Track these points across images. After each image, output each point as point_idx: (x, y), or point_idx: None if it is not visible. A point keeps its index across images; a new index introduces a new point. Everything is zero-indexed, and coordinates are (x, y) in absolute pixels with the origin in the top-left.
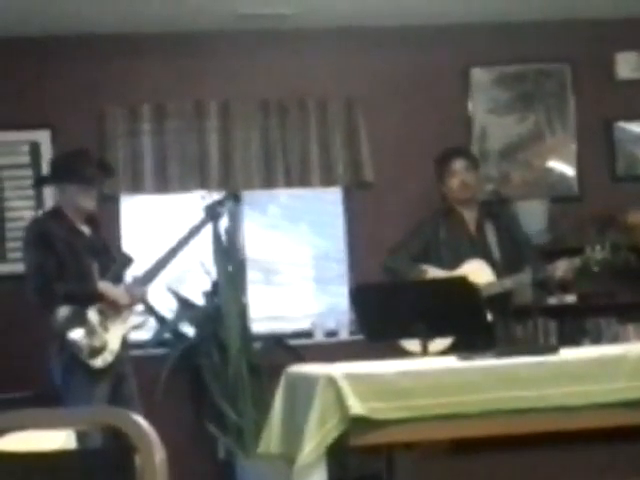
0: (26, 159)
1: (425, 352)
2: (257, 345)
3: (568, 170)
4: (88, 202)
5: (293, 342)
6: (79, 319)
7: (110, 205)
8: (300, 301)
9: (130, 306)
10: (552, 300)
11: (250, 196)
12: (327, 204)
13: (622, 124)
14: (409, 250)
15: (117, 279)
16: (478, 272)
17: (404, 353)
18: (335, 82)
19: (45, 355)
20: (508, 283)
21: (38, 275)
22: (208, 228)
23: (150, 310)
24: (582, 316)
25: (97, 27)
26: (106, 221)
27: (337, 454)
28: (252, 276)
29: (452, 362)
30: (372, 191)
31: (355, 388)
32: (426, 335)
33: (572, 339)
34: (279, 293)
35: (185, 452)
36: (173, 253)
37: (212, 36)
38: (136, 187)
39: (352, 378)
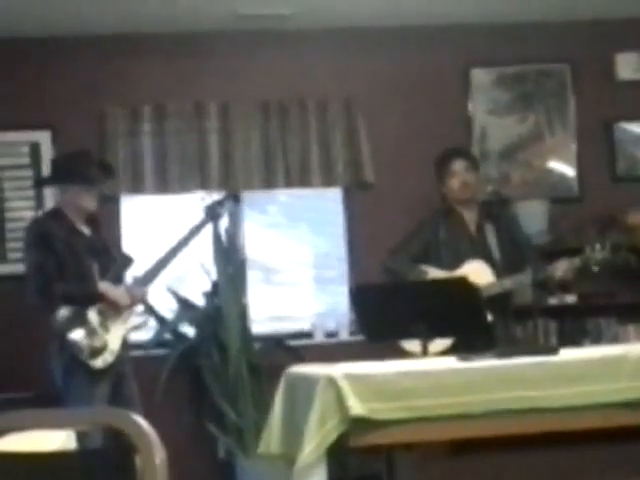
0: (26, 160)
1: (425, 353)
2: (257, 345)
3: (568, 170)
4: (90, 202)
5: (293, 342)
6: (79, 319)
7: (110, 205)
8: (300, 301)
9: (130, 306)
10: (552, 300)
11: (250, 196)
12: (327, 204)
13: (622, 124)
14: (409, 251)
15: (117, 279)
16: (478, 272)
17: (404, 354)
18: (335, 82)
19: (45, 355)
20: (508, 283)
21: (38, 275)
22: (208, 228)
23: (150, 310)
24: (582, 316)
25: (97, 28)
26: (106, 221)
27: (337, 454)
28: (252, 276)
29: (452, 363)
30: (372, 191)
31: (355, 388)
32: (426, 335)
33: (572, 339)
34: (279, 293)
35: (185, 452)
36: (173, 253)
37: (212, 36)
38: (136, 187)
39: (352, 379)
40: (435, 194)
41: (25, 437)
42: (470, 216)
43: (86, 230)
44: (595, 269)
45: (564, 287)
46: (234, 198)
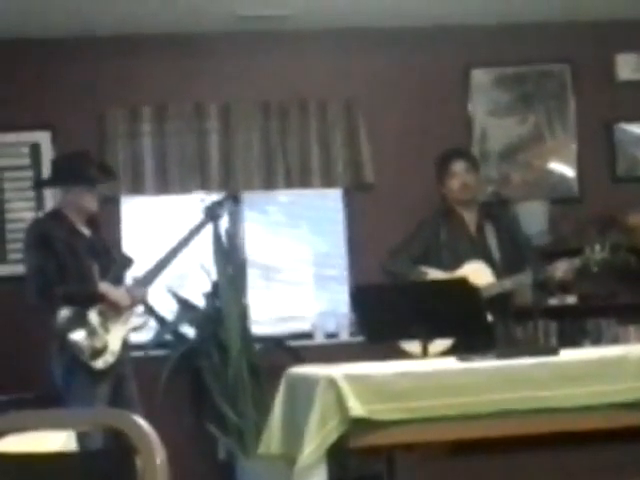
0: (26, 160)
1: (425, 353)
2: (257, 346)
3: (568, 171)
4: (92, 203)
5: (293, 343)
6: (80, 320)
7: (110, 206)
8: (300, 302)
9: (131, 307)
10: (552, 301)
11: (250, 197)
12: (327, 205)
13: (622, 125)
14: (409, 252)
15: (117, 280)
16: (478, 273)
17: (404, 354)
18: (335, 83)
19: (46, 356)
20: (508, 284)
21: (39, 277)
22: (208, 229)
23: (150, 311)
24: (582, 317)
25: (97, 28)
26: (107, 222)
27: (337, 455)
28: (252, 277)
29: (452, 363)
30: (372, 192)
31: (355, 389)
32: (426, 336)
33: (572, 340)
34: (279, 294)
35: (185, 453)
36: (173, 254)
37: (212, 37)
38: (136, 188)
39: (352, 379)
40: (435, 194)
41: (26, 438)
42: (470, 217)
43: (86, 231)
44: (595, 269)
45: (564, 288)
46: (234, 199)
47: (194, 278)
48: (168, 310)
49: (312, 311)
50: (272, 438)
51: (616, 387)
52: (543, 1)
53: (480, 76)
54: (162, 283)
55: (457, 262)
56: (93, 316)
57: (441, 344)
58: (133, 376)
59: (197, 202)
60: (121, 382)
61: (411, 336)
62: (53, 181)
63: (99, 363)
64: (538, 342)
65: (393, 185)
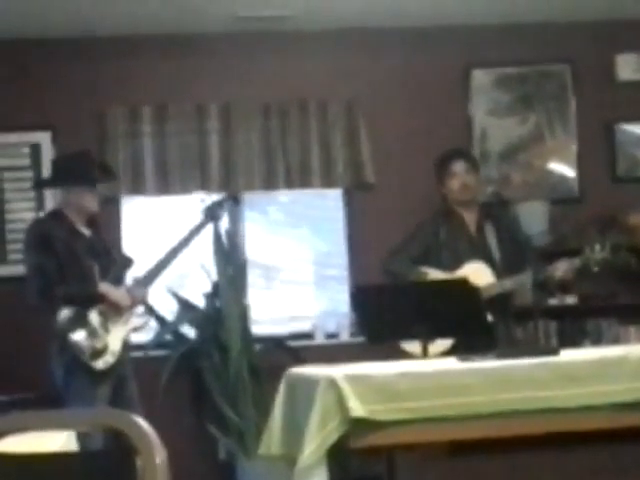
0: (26, 161)
1: (425, 354)
2: (258, 346)
3: (569, 172)
4: (93, 203)
5: (294, 344)
6: (80, 321)
7: (111, 207)
8: (301, 303)
9: (131, 308)
10: (553, 301)
11: (251, 197)
12: (328, 205)
13: (623, 126)
14: (409, 252)
15: (118, 281)
16: (478, 273)
17: (404, 355)
18: (335, 84)
19: (46, 357)
20: (508, 284)
21: (39, 277)
22: (209, 230)
23: (151, 311)
24: (583, 317)
25: (97, 29)
26: (107, 223)
27: (338, 456)
28: (253, 278)
29: (452, 364)
30: (372, 192)
31: (356, 390)
32: (426, 337)
33: (573, 340)
34: (280, 295)
35: (186, 453)
36: (173, 254)
37: (212, 38)
38: (137, 189)
39: (353, 380)
40: (436, 195)
41: (26, 438)
42: (470, 217)
43: (86, 231)
44: (595, 270)
45: (564, 288)
46: (233, 199)
47: (194, 278)
48: (168, 310)
49: (312, 311)
50: (272, 438)
51: (616, 387)
52: (543, 1)
53: (480, 76)
54: (162, 283)
55: (457, 262)
56: (93, 316)
57: (441, 344)
58: (133, 376)
59: (197, 202)
60: (121, 382)
61: (411, 336)
62: (53, 181)
63: (99, 363)
64: (538, 342)
65: (393, 185)
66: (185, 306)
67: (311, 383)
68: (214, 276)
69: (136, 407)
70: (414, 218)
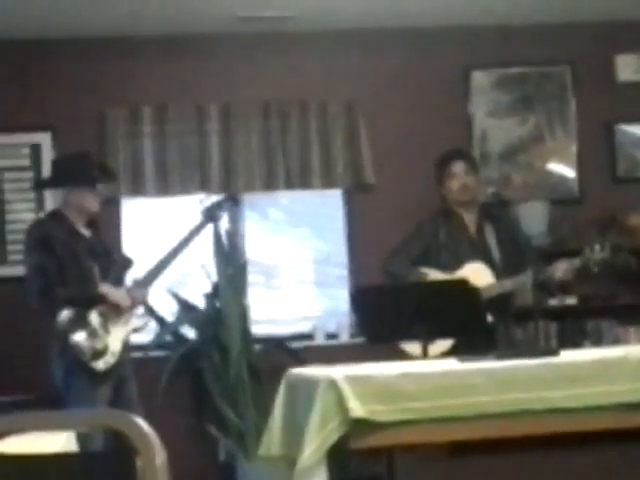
0: (27, 161)
1: (425, 354)
2: (258, 347)
3: (569, 172)
4: (93, 204)
5: (294, 344)
6: (81, 321)
7: (111, 207)
8: (301, 303)
9: (131, 308)
10: (553, 302)
11: (251, 198)
12: (328, 206)
13: (622, 126)
14: (409, 253)
15: (118, 281)
16: (478, 274)
17: (405, 355)
18: (335, 84)
19: (46, 357)
20: (508, 285)
21: (39, 278)
22: (209, 230)
23: (151, 312)
24: (583, 318)
25: (98, 29)
26: (107, 223)
27: (338, 456)
28: (253, 278)
29: (452, 364)
30: (373, 193)
31: (356, 390)
32: (426, 337)
33: (573, 341)
34: (280, 295)
35: (186, 454)
36: (173, 255)
37: (213, 39)
38: (137, 190)
39: (353, 380)
40: (435, 195)
41: (26, 439)
42: (470, 218)
43: (86, 232)
44: (595, 270)
45: (564, 288)
46: (233, 200)
47: (194, 279)
48: (168, 311)
49: (313, 312)
50: (272, 439)
51: (616, 388)
52: (543, 2)
53: (480, 77)
54: (162, 284)
55: (457, 263)
56: (94, 317)
57: (441, 345)
58: (133, 377)
59: (197, 203)
60: (121, 383)
61: (411, 337)
62: (53, 182)
63: (100, 364)
64: (538, 343)
65: (393, 186)
66: (185, 307)
67: (311, 384)
68: (214, 277)
69: (136, 408)
70: (414, 218)
